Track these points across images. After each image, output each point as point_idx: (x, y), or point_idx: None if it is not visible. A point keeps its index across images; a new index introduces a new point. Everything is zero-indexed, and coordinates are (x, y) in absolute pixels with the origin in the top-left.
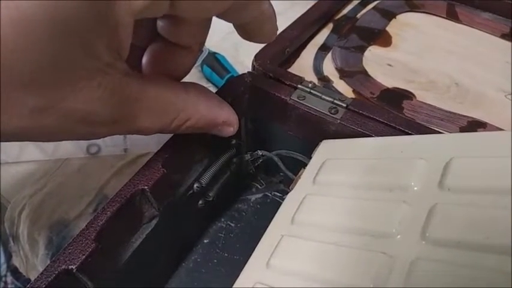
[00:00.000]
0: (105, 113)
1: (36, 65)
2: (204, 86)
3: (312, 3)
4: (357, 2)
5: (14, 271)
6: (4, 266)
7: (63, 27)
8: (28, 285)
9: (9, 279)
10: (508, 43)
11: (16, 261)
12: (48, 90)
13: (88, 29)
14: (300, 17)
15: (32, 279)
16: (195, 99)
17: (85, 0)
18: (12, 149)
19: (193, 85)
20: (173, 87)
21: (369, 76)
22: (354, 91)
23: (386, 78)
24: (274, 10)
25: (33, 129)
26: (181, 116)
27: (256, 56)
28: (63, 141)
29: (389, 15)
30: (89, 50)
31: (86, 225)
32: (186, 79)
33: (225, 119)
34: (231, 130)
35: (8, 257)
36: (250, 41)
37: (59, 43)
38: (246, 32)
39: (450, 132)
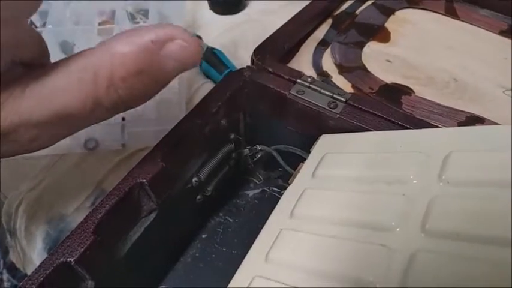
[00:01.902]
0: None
1: None
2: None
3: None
4: None
5: (10, 268)
6: (0, 263)
7: None
8: (26, 278)
9: (5, 276)
10: (506, 40)
11: (13, 257)
12: None
13: None
14: (299, 12)
15: (29, 273)
16: (105, 46)
17: None
18: None
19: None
20: (78, 55)
21: (368, 72)
22: (352, 86)
23: (385, 74)
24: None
25: None
26: (102, 72)
27: (255, 51)
28: None
29: (388, 11)
30: None
31: (85, 218)
32: (184, 75)
33: (153, 37)
34: (179, 46)
35: (4, 253)
36: None
37: None
38: None
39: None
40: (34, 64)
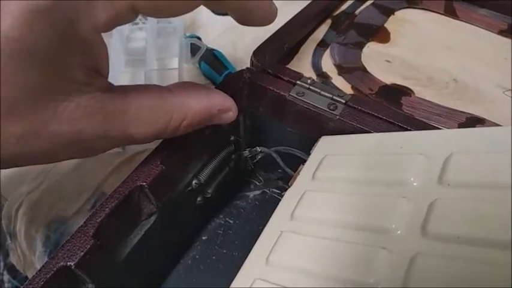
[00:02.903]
0: (92, 131)
1: (12, 96)
2: (189, 82)
3: (307, 2)
4: None
5: (11, 269)
6: (1, 265)
7: (31, 58)
8: (26, 282)
9: (6, 277)
10: (505, 39)
11: (13, 259)
12: (29, 118)
13: (57, 54)
14: (298, 13)
15: (30, 276)
16: (182, 97)
17: (48, 28)
18: None
19: (178, 84)
20: (158, 92)
21: (368, 72)
22: (352, 87)
23: (385, 75)
24: None
25: (25, 155)
26: (175, 117)
27: (254, 52)
28: None
29: (387, 11)
30: (62, 74)
31: (85, 222)
32: (185, 76)
33: (220, 106)
34: (230, 115)
35: (5, 255)
36: (245, 25)
37: (30, 73)
38: (237, 18)
39: (449, 128)
40: (99, 74)
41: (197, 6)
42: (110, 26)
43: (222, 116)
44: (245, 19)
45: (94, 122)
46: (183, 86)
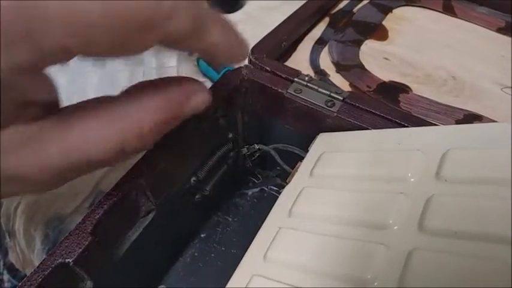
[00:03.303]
0: (26, 162)
1: None
2: (142, 82)
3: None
4: None
5: (10, 268)
6: (0, 264)
7: None
8: (25, 279)
9: (6, 277)
10: (503, 37)
11: (12, 257)
12: None
13: None
14: (296, 11)
15: (28, 274)
16: (133, 105)
17: None
18: None
19: (129, 90)
20: (104, 109)
21: (366, 70)
22: (350, 85)
23: (383, 72)
24: (235, 34)
25: None
26: (128, 132)
27: (252, 50)
28: None
29: (385, 9)
30: None
31: (83, 219)
32: (182, 74)
33: (181, 96)
34: (201, 97)
35: (4, 254)
36: (213, 65)
37: None
38: (205, 59)
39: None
40: (49, 106)
41: (147, 49)
42: (38, 67)
43: (191, 104)
44: (211, 60)
45: (27, 153)
46: (133, 91)
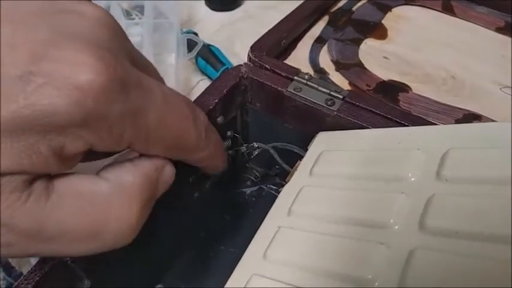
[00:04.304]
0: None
1: None
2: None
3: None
4: None
5: (6, 267)
6: None
7: None
8: (22, 277)
9: (1, 275)
10: (503, 37)
11: None
12: None
13: None
14: (296, 9)
15: (25, 272)
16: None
17: None
18: None
19: (106, 168)
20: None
21: (365, 69)
22: (350, 83)
23: (382, 71)
24: (219, 147)
25: None
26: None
27: (252, 47)
28: None
29: (385, 8)
30: None
31: None
32: (181, 72)
33: (153, 166)
34: (169, 170)
35: None
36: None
37: None
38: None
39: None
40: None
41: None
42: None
43: (162, 176)
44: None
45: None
46: (112, 170)
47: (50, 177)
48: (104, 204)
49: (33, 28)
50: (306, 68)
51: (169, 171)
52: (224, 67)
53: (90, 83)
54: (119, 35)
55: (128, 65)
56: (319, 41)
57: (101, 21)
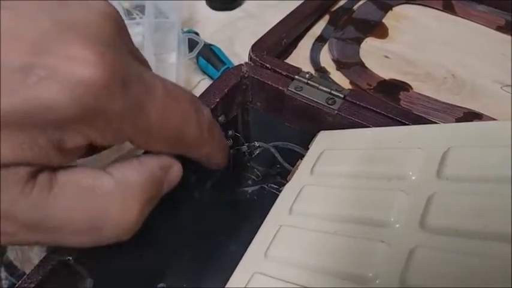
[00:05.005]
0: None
1: None
2: (125, 161)
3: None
4: None
5: (8, 266)
6: None
7: None
8: (24, 277)
9: (3, 275)
10: (503, 35)
11: (11, 254)
12: None
13: None
14: (296, 8)
15: (28, 272)
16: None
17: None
18: None
19: (114, 166)
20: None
21: (366, 67)
22: (350, 82)
23: (383, 70)
24: (222, 144)
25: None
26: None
27: (253, 47)
28: None
29: (385, 7)
30: None
31: None
32: (182, 71)
33: (159, 164)
34: (175, 170)
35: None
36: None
37: None
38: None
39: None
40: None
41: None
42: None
43: (168, 176)
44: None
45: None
46: (117, 166)
47: (54, 169)
48: (105, 199)
49: (35, 17)
50: (307, 67)
51: (175, 171)
52: (225, 66)
53: (91, 79)
54: (123, 31)
55: (130, 60)
56: (320, 40)
57: (106, 15)
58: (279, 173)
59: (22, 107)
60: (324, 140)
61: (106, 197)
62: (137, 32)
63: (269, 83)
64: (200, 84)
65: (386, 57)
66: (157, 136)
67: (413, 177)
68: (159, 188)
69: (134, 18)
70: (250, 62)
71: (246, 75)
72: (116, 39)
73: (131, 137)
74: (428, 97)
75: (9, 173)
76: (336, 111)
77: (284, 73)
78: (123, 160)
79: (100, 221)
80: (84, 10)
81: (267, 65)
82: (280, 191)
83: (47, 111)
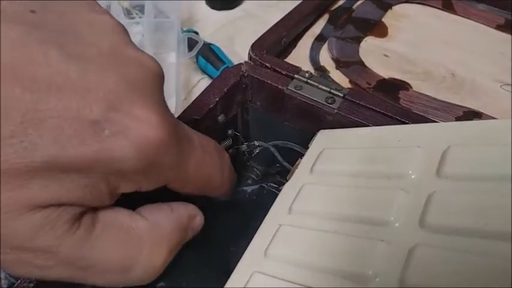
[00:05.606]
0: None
1: None
2: (153, 205)
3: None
4: None
5: None
6: None
7: None
8: (22, 278)
9: (3, 274)
10: (503, 34)
11: None
12: None
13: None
14: (296, 7)
15: None
16: (152, 222)
17: None
18: None
19: (145, 208)
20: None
21: (365, 66)
22: (350, 81)
23: (383, 69)
24: (233, 181)
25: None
26: (149, 247)
27: (252, 46)
28: None
29: (385, 6)
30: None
31: None
32: (181, 71)
33: (187, 214)
34: (199, 220)
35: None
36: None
37: None
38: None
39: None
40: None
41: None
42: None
43: (192, 224)
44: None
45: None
46: (150, 209)
47: (95, 209)
48: (139, 241)
49: (103, 72)
50: (307, 66)
51: (199, 220)
52: (224, 66)
53: (155, 139)
54: (163, 83)
55: (175, 118)
56: (320, 39)
57: (155, 72)
58: (278, 172)
59: (94, 156)
60: (324, 139)
61: (140, 239)
62: (137, 32)
63: (269, 82)
64: (200, 83)
65: (386, 56)
66: (193, 182)
67: (413, 176)
68: (185, 235)
69: (134, 18)
70: (249, 61)
71: (245, 75)
72: (163, 95)
73: (170, 183)
74: (427, 96)
75: (61, 210)
76: (335, 110)
77: (284, 72)
78: (156, 204)
79: (132, 261)
80: (140, 68)
81: (267, 64)
82: (279, 190)
83: (115, 162)
